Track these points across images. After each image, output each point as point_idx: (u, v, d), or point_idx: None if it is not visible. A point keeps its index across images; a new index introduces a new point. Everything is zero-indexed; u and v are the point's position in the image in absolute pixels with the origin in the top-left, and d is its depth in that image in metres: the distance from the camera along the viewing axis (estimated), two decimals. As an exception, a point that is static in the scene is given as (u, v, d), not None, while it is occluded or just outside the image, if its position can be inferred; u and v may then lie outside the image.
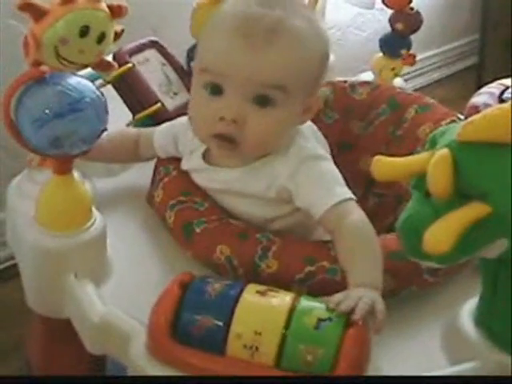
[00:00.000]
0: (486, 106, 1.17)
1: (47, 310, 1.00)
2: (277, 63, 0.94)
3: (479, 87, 1.30)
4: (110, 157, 1.13)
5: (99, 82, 1.12)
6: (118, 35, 0.92)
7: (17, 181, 1.06)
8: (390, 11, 1.44)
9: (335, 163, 1.02)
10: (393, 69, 1.46)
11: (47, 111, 0.83)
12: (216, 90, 0.96)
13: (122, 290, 0.95)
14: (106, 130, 0.91)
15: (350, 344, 0.78)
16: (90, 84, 0.87)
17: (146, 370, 0.82)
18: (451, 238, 0.71)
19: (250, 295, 0.82)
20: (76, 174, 0.94)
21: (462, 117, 1.21)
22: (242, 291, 0.83)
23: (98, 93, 0.87)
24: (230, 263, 0.95)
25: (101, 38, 0.88)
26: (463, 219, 0.72)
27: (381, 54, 1.47)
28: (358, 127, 1.30)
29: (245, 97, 0.94)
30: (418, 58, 1.51)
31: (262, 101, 0.95)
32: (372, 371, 0.81)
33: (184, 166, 1.08)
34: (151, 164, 1.12)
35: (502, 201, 0.72)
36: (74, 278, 0.94)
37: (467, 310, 0.88)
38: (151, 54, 1.27)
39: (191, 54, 1.27)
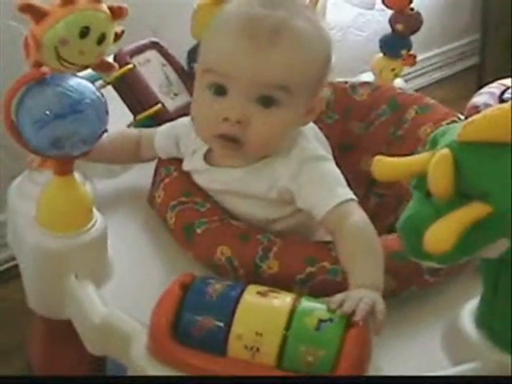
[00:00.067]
0: (487, 106, 1.17)
1: (48, 311, 1.00)
2: (280, 64, 0.94)
3: (480, 87, 1.30)
4: (110, 158, 1.13)
5: (100, 82, 1.12)
6: (118, 36, 0.92)
7: (17, 182, 1.06)
8: (390, 12, 1.44)
9: (336, 164, 1.02)
10: (393, 69, 1.46)
11: (48, 112, 0.83)
12: (220, 90, 0.96)
13: (122, 291, 0.95)
14: (106, 131, 0.91)
15: (351, 344, 0.78)
16: (90, 85, 0.87)
17: (146, 371, 0.82)
18: (452, 238, 0.71)
19: (251, 296, 0.82)
20: (77, 175, 0.94)
21: (462, 117, 1.21)
22: (242, 292, 0.83)
23: (98, 94, 0.87)
24: (230, 264, 0.95)
25: (101, 39, 0.88)
26: (464, 219, 0.72)
27: (381, 55, 1.47)
28: (359, 128, 1.30)
29: (249, 97, 0.94)
30: (419, 58, 1.51)
31: (266, 101, 0.95)
32: (373, 371, 0.81)
33: (185, 166, 1.08)
34: (152, 165, 1.12)
35: (502, 201, 0.72)
36: (74, 278, 0.94)
37: (468, 310, 0.88)
38: (152, 54, 1.27)
39: (192, 54, 1.27)
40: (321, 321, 0.80)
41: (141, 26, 1.54)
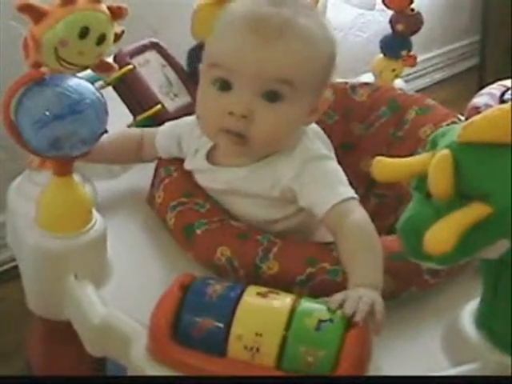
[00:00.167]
0: (487, 106, 1.17)
1: (48, 312, 0.99)
2: (285, 58, 0.94)
3: (480, 88, 1.30)
4: (111, 158, 1.13)
5: (100, 83, 1.12)
6: (118, 37, 0.92)
7: (17, 182, 1.06)
8: (390, 12, 1.44)
9: (337, 164, 1.02)
10: (393, 70, 1.46)
11: (47, 113, 0.83)
12: (225, 85, 0.96)
13: (122, 292, 0.95)
14: (106, 131, 0.91)
15: (351, 344, 0.78)
16: (89, 85, 0.87)
17: (146, 372, 0.82)
18: (452, 239, 0.71)
19: (251, 297, 0.82)
20: (76, 176, 0.94)
21: (462, 118, 1.21)
22: (242, 293, 0.82)
23: (97, 94, 0.87)
24: (230, 265, 0.95)
25: (101, 40, 0.88)
26: (464, 220, 0.72)
27: (381, 56, 1.47)
28: (359, 128, 1.30)
29: (254, 92, 0.95)
30: (419, 59, 1.51)
31: (271, 96, 0.95)
32: (373, 372, 0.81)
33: (187, 166, 1.08)
34: (152, 165, 1.12)
35: (502, 201, 0.72)
36: (74, 279, 0.94)
37: (468, 311, 0.88)
38: (152, 55, 1.27)
39: (192, 55, 1.27)
40: (321, 321, 0.80)
41: (141, 27, 1.55)
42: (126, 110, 1.21)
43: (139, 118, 1.19)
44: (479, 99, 1.24)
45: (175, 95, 1.25)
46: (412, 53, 1.46)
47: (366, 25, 2.28)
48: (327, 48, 1.00)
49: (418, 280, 0.95)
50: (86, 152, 0.90)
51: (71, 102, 0.84)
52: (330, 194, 0.96)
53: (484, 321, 0.86)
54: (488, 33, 2.59)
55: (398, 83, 1.48)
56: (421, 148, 1.15)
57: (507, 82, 1.29)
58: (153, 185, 1.09)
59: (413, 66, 1.49)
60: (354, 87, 1.31)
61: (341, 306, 0.82)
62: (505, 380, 0.81)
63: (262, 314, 0.81)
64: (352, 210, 0.94)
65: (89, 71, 0.94)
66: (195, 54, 1.24)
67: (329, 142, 1.07)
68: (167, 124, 1.13)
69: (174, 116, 1.16)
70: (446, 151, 0.74)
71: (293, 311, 0.81)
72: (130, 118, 1.21)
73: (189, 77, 1.27)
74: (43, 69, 0.86)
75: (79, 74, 0.90)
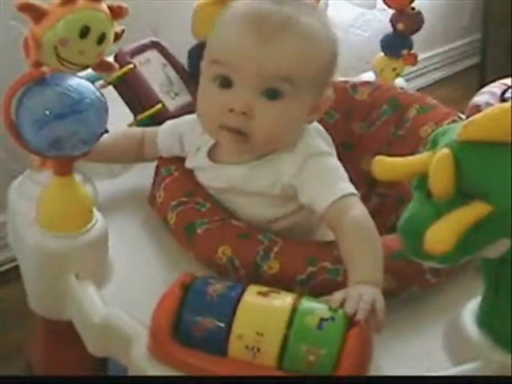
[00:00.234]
0: (488, 105, 1.17)
1: (49, 312, 1.00)
2: (286, 56, 0.95)
3: (481, 87, 1.30)
4: (113, 157, 1.13)
5: (100, 82, 1.11)
6: (118, 36, 0.92)
7: (18, 182, 1.06)
8: (391, 11, 1.44)
9: (338, 163, 1.02)
10: (394, 69, 1.46)
11: (47, 112, 0.83)
12: (225, 82, 0.96)
13: (123, 291, 0.95)
14: (107, 131, 0.91)
15: (352, 344, 0.78)
16: (90, 85, 0.87)
17: (147, 371, 0.82)
18: (453, 238, 0.71)
19: (252, 296, 0.82)
20: (77, 176, 0.94)
21: (463, 116, 1.21)
22: (243, 292, 0.82)
23: (98, 94, 0.87)
24: (231, 264, 0.95)
25: (101, 39, 0.88)
26: (465, 219, 0.72)
27: (382, 54, 1.47)
28: (360, 127, 1.30)
29: (254, 89, 0.95)
30: (420, 57, 1.51)
31: (272, 94, 0.95)
32: (374, 371, 0.81)
33: (189, 164, 1.07)
34: (153, 165, 1.12)
35: (503, 200, 0.72)
36: (75, 279, 0.93)
37: (469, 310, 0.88)
38: (152, 54, 1.27)
39: (192, 54, 1.27)
40: (322, 319, 0.80)
41: (141, 26, 1.54)
42: (127, 110, 1.20)
43: (140, 117, 1.19)
44: (480, 98, 1.24)
45: (176, 94, 1.25)
46: (413, 51, 1.46)
47: (366, 23, 2.28)
48: (329, 46, 1.00)
49: (419, 279, 0.95)
50: (87, 152, 0.90)
51: (72, 102, 0.83)
52: (330, 191, 0.96)
53: (485, 320, 0.86)
54: (489, 31, 2.59)
55: (399, 82, 1.48)
56: (421, 147, 1.15)
57: (508, 81, 1.29)
58: (154, 184, 1.09)
59: (413, 64, 1.49)
60: (354, 86, 1.31)
61: (342, 304, 0.82)
62: (506, 379, 0.81)
63: (262, 314, 0.81)
64: (352, 206, 0.94)
65: (89, 70, 0.94)
66: (196, 53, 1.24)
67: (330, 139, 1.07)
68: (168, 123, 1.13)
69: (174, 115, 1.16)
70: (446, 150, 0.73)
71: (294, 310, 0.81)
72: (130, 117, 1.21)
73: (189, 76, 1.27)
74: (44, 68, 0.86)
75: (80, 74, 0.90)
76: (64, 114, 0.83)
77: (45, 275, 0.96)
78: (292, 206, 1.01)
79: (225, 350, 0.80)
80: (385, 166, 0.79)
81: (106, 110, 0.88)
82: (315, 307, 0.82)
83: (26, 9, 0.83)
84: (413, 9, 1.42)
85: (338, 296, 0.83)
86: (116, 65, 0.98)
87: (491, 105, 1.16)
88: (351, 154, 1.27)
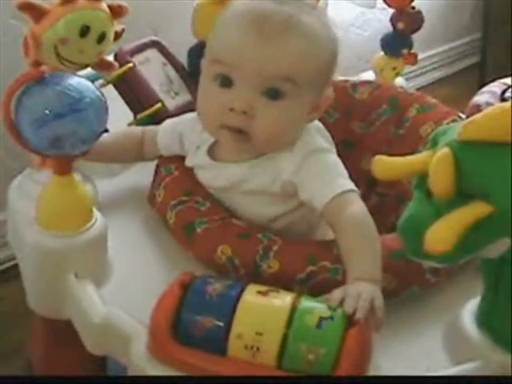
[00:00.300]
0: (488, 105, 1.17)
1: (48, 311, 0.99)
2: (287, 56, 0.95)
3: (481, 86, 1.30)
4: (113, 157, 1.12)
5: (100, 82, 1.11)
6: (118, 35, 0.92)
7: (17, 181, 1.06)
8: (391, 10, 1.44)
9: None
10: (394, 68, 1.45)
11: (47, 111, 0.83)
12: (226, 81, 0.96)
13: (122, 291, 0.95)
14: (106, 130, 0.91)
15: (351, 344, 0.78)
16: (90, 84, 0.87)
17: (146, 371, 0.82)
18: (453, 238, 0.71)
19: (251, 295, 0.82)
20: (77, 175, 0.94)
21: (463, 116, 1.21)
22: (242, 291, 0.82)
23: (98, 93, 0.87)
24: (231, 263, 0.95)
25: (101, 38, 0.88)
26: (465, 218, 0.72)
27: (382, 54, 1.46)
28: (360, 127, 1.30)
29: (255, 89, 0.95)
30: (420, 57, 1.51)
31: (273, 94, 0.95)
32: (373, 371, 0.81)
33: (189, 162, 1.07)
34: (152, 164, 1.12)
35: (503, 200, 0.72)
36: (74, 278, 0.93)
37: (469, 310, 0.88)
38: (152, 53, 1.26)
39: (192, 53, 1.27)
40: (322, 318, 0.80)
41: (141, 25, 1.54)
42: (127, 109, 1.20)
43: (139, 116, 1.19)
44: (480, 97, 1.24)
45: (176, 93, 1.25)
46: (413, 51, 1.46)
47: (366, 23, 2.28)
48: (329, 46, 1.00)
49: (419, 279, 0.95)
50: (86, 151, 0.90)
51: (71, 101, 0.83)
52: (330, 187, 0.96)
53: (485, 319, 0.86)
54: (489, 31, 2.59)
55: (399, 81, 1.48)
56: (421, 146, 1.15)
57: (508, 80, 1.29)
58: (153, 183, 1.09)
59: (413, 64, 1.49)
60: (354, 85, 1.31)
61: (341, 303, 0.82)
62: (505, 379, 0.81)
63: (262, 313, 0.81)
64: (351, 203, 0.94)
65: (89, 70, 0.94)
66: (196, 52, 1.24)
67: (329, 137, 1.07)
68: (168, 121, 1.13)
69: (174, 114, 1.16)
70: (446, 150, 0.73)
71: (293, 309, 0.81)
72: (130, 116, 1.20)
73: (189, 75, 1.27)
74: (43, 67, 0.86)
75: (79, 73, 0.90)
76: (64, 113, 0.83)
77: (44, 274, 0.96)
78: (292, 204, 1.01)
79: (224, 350, 0.80)
80: (384, 165, 0.79)
81: (106, 109, 0.88)
82: (314, 306, 0.82)
83: (26, 8, 0.83)
84: (413, 8, 1.42)
85: (337, 294, 0.83)
86: (116, 64, 0.98)
87: (491, 104, 1.16)
88: (351, 153, 1.27)
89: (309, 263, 0.93)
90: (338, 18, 2.11)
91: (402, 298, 0.95)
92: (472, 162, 0.73)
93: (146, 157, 1.13)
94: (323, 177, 0.97)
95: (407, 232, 0.77)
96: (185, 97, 1.26)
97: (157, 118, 1.17)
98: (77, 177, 0.93)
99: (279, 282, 0.89)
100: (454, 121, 1.18)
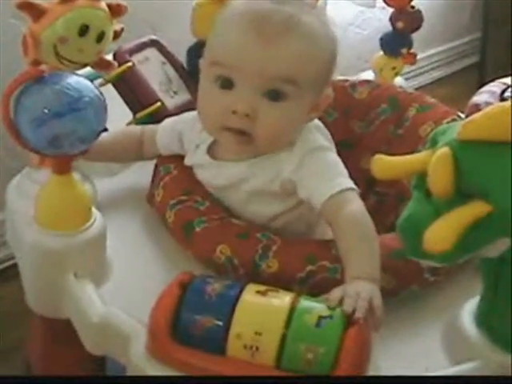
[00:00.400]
0: (488, 104, 1.17)
1: (47, 310, 0.99)
2: (288, 57, 0.94)
3: (480, 86, 1.30)
4: (112, 156, 1.12)
5: (99, 81, 1.11)
6: (117, 34, 0.92)
7: (16, 180, 1.06)
8: (390, 10, 1.44)
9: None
10: (393, 68, 1.45)
11: (46, 110, 0.82)
12: (227, 83, 0.96)
13: (121, 290, 0.95)
14: (105, 129, 0.91)
15: (350, 344, 0.78)
16: (89, 83, 0.87)
17: (145, 370, 0.82)
18: (452, 237, 0.71)
19: (250, 295, 0.82)
20: (76, 174, 0.94)
21: (462, 115, 1.21)
22: (241, 291, 0.82)
23: (97, 92, 0.87)
24: (230, 263, 0.95)
25: (100, 37, 0.88)
26: (464, 218, 0.72)
27: (381, 53, 1.46)
28: (359, 126, 1.29)
29: (256, 91, 0.95)
30: (419, 56, 1.51)
31: (274, 95, 0.95)
32: (372, 371, 0.81)
33: (188, 161, 1.07)
34: (152, 163, 1.12)
35: (502, 199, 0.72)
36: (73, 277, 0.93)
37: (468, 309, 0.88)
38: (151, 52, 1.26)
39: (191, 52, 1.27)
40: (321, 317, 0.80)
41: (140, 24, 1.55)
42: (126, 108, 1.20)
43: (139, 115, 1.19)
44: (479, 97, 1.24)
45: (175, 93, 1.25)
46: (412, 50, 1.46)
47: (366, 22, 2.28)
48: (329, 46, 1.00)
49: (418, 278, 0.95)
50: (85, 150, 0.90)
51: (70, 100, 0.83)
52: (328, 185, 0.96)
53: (484, 319, 0.86)
54: (488, 30, 2.59)
55: (399, 81, 1.48)
56: (421, 146, 1.15)
57: (507, 80, 1.29)
58: (152, 183, 1.09)
59: (413, 63, 1.48)
60: (353, 85, 1.31)
61: (340, 303, 0.82)
62: (504, 379, 0.81)
63: (261, 313, 0.81)
64: (349, 201, 0.94)
65: (88, 69, 0.94)
66: (195, 51, 1.24)
67: (329, 135, 1.07)
68: (167, 120, 1.13)
69: (173, 113, 1.16)
70: (445, 149, 0.73)
71: (292, 309, 0.81)
72: (129, 115, 1.20)
73: (188, 74, 1.27)
74: (42, 66, 0.86)
75: (79, 72, 0.90)
76: (62, 112, 0.83)
77: (43, 274, 0.95)
78: (291, 202, 1.01)
79: (223, 349, 0.80)
80: (384, 164, 0.79)
81: (105, 108, 0.88)
82: (313, 306, 0.82)
83: (25, 7, 0.83)
84: (412, 7, 1.42)
85: (335, 294, 0.83)
86: (115, 63, 0.98)
87: (491, 104, 1.16)
88: (350, 152, 1.27)
89: (308, 263, 0.93)
90: (338, 18, 2.11)
91: (401, 297, 0.95)
92: (471, 162, 0.73)
93: (146, 156, 1.13)
94: (322, 175, 0.97)
95: (406, 231, 0.77)
96: (184, 96, 1.25)
97: (156, 118, 1.17)
98: (76, 176, 0.93)
99: (278, 282, 0.89)
100: (453, 120, 1.17)
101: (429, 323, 0.94)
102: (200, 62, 1.02)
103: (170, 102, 1.23)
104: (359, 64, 2.08)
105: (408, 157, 0.79)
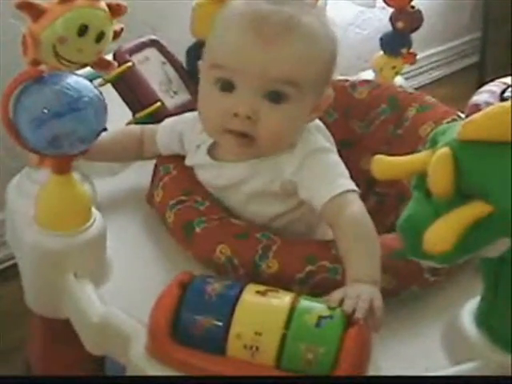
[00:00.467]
0: (487, 104, 1.17)
1: (47, 310, 0.99)
2: (289, 58, 0.94)
3: (480, 86, 1.30)
4: (112, 156, 1.12)
5: (99, 81, 1.11)
6: (117, 34, 0.92)
7: (16, 180, 1.06)
8: (390, 10, 1.44)
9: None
10: (393, 67, 1.45)
11: (45, 111, 0.82)
12: (227, 86, 0.96)
13: (121, 290, 0.95)
14: (105, 129, 0.91)
15: (350, 344, 0.78)
16: (88, 83, 0.87)
17: (145, 371, 0.82)
18: (452, 238, 0.71)
19: (250, 295, 0.82)
20: (76, 174, 0.94)
21: (462, 115, 1.21)
22: (241, 291, 0.82)
23: (96, 92, 0.87)
24: (230, 263, 0.95)
25: (100, 37, 0.88)
26: (464, 218, 0.72)
27: (381, 53, 1.46)
28: (359, 126, 1.29)
29: (257, 93, 0.95)
30: (419, 56, 1.51)
31: (275, 97, 0.95)
32: (372, 371, 0.81)
33: (188, 162, 1.07)
34: (151, 163, 1.12)
35: (502, 200, 0.72)
36: (73, 277, 0.93)
37: (468, 309, 0.88)
38: (151, 52, 1.26)
39: (191, 52, 1.27)
40: (321, 317, 0.80)
41: (140, 24, 1.55)
42: (126, 108, 1.20)
43: (138, 115, 1.19)
44: (479, 97, 1.24)
45: (175, 93, 1.25)
46: (412, 50, 1.46)
47: (366, 22, 2.28)
48: (329, 46, 0.99)
49: (418, 279, 0.95)
50: (85, 150, 0.89)
51: (70, 100, 0.83)
52: (329, 187, 0.95)
53: (484, 319, 0.86)
54: (488, 30, 2.59)
55: (399, 80, 1.48)
56: (421, 146, 1.15)
57: (507, 80, 1.29)
58: (152, 183, 1.09)
59: (413, 63, 1.48)
60: (353, 85, 1.31)
61: (340, 304, 0.82)
62: (504, 379, 0.81)
63: (261, 313, 0.81)
64: (350, 203, 0.94)
65: (88, 69, 0.94)
66: (194, 51, 1.24)
67: (330, 136, 1.07)
68: (168, 120, 1.13)
69: (173, 113, 1.16)
70: (446, 149, 0.73)
71: (292, 309, 0.81)
72: (129, 115, 1.20)
73: (188, 74, 1.27)
74: (42, 67, 0.86)
75: (78, 72, 0.90)
76: (62, 112, 0.83)
77: (43, 274, 0.95)
78: (292, 203, 1.01)
79: (223, 350, 0.80)
80: (384, 164, 0.79)
81: (105, 108, 0.88)
82: (313, 306, 0.82)
83: (25, 7, 0.83)
84: (412, 7, 1.42)
85: (336, 295, 0.83)
86: (115, 63, 0.97)
87: (490, 104, 1.16)
88: (350, 153, 1.27)
89: (308, 263, 0.93)
90: (338, 18, 2.12)
91: (401, 297, 0.94)
92: (471, 162, 0.73)
93: (146, 155, 1.13)
94: (323, 176, 0.97)
95: (406, 232, 0.77)
96: (184, 96, 1.25)
97: (156, 117, 1.17)
98: (75, 176, 0.93)
99: (278, 282, 0.89)
100: (453, 120, 1.17)
101: (429, 323, 0.94)
102: (200, 64, 1.02)
103: (170, 102, 1.23)
104: (359, 64, 2.08)
105: (408, 157, 0.78)
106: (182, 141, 1.09)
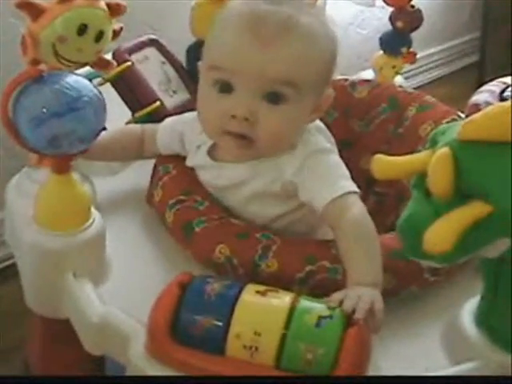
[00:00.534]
0: (487, 104, 1.17)
1: (46, 310, 0.99)
2: (287, 59, 0.94)
3: (480, 85, 1.30)
4: (112, 155, 1.12)
5: (98, 80, 1.11)
6: (116, 33, 0.92)
7: (15, 180, 1.06)
8: (390, 9, 1.44)
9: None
10: (393, 67, 1.45)
11: (45, 110, 0.82)
12: (226, 87, 0.96)
13: (121, 290, 0.95)
14: (104, 128, 0.90)
15: (350, 344, 0.78)
16: (88, 83, 0.87)
17: (145, 371, 0.82)
18: (452, 238, 0.71)
19: (250, 295, 0.82)
20: (75, 174, 0.94)
21: (462, 115, 1.21)
22: (241, 291, 0.82)
23: (96, 91, 0.87)
24: (230, 263, 0.95)
25: (99, 37, 0.88)
26: (464, 218, 0.72)
27: (381, 52, 1.46)
28: (359, 126, 1.29)
29: (256, 94, 0.94)
30: (419, 55, 1.51)
31: (274, 98, 0.95)
32: (372, 371, 0.81)
33: (189, 162, 1.07)
34: (151, 163, 1.12)
35: (502, 200, 0.72)
36: (72, 277, 0.93)
37: (468, 309, 0.88)
38: (151, 52, 1.26)
39: (191, 52, 1.27)
40: (321, 317, 0.80)
41: (139, 24, 1.55)
42: (125, 107, 1.20)
43: (138, 115, 1.19)
44: (479, 96, 1.24)
45: (174, 92, 1.25)
46: (412, 49, 1.46)
47: (366, 21, 2.28)
48: (329, 46, 0.99)
49: (418, 278, 0.95)
50: (85, 149, 0.89)
51: (69, 100, 0.83)
52: (330, 188, 0.95)
53: (484, 319, 0.86)
54: (488, 29, 2.59)
55: (398, 80, 1.48)
56: (421, 146, 1.15)
57: (507, 79, 1.29)
58: (151, 183, 1.09)
59: (413, 62, 1.48)
60: (353, 84, 1.31)
61: (340, 304, 0.82)
62: (504, 379, 0.81)
63: (260, 313, 0.80)
64: (351, 205, 0.94)
65: (87, 68, 0.93)
66: (194, 51, 1.24)
67: (331, 137, 1.07)
68: (168, 120, 1.12)
69: (172, 113, 1.16)
70: (445, 149, 0.73)
71: (292, 309, 0.81)
72: (128, 115, 1.20)
73: (188, 74, 1.27)
74: (41, 66, 0.86)
75: (77, 71, 0.89)
76: (62, 111, 0.83)
77: (42, 273, 0.95)
78: (293, 204, 1.01)
79: (223, 349, 0.80)
80: (384, 164, 0.79)
81: (104, 107, 0.88)
82: (313, 306, 0.82)
83: (24, 6, 0.83)
84: (412, 7, 1.42)
85: (336, 297, 0.83)
86: (114, 62, 0.97)
87: (490, 103, 1.16)
88: (350, 152, 1.27)
89: (308, 263, 0.93)
90: (337, 17, 2.11)
91: (401, 297, 0.94)
92: (471, 162, 0.73)
93: (146, 155, 1.13)
94: (324, 178, 0.97)
95: (406, 232, 0.77)
96: (183, 95, 1.25)
97: (155, 117, 1.17)
98: (75, 176, 0.93)
99: (278, 282, 0.89)
100: (453, 120, 1.17)
101: (429, 323, 0.94)
102: (199, 65, 1.02)
103: (169, 102, 1.23)
104: (359, 63, 2.08)
105: (408, 157, 0.78)
106: (182, 141, 1.09)
